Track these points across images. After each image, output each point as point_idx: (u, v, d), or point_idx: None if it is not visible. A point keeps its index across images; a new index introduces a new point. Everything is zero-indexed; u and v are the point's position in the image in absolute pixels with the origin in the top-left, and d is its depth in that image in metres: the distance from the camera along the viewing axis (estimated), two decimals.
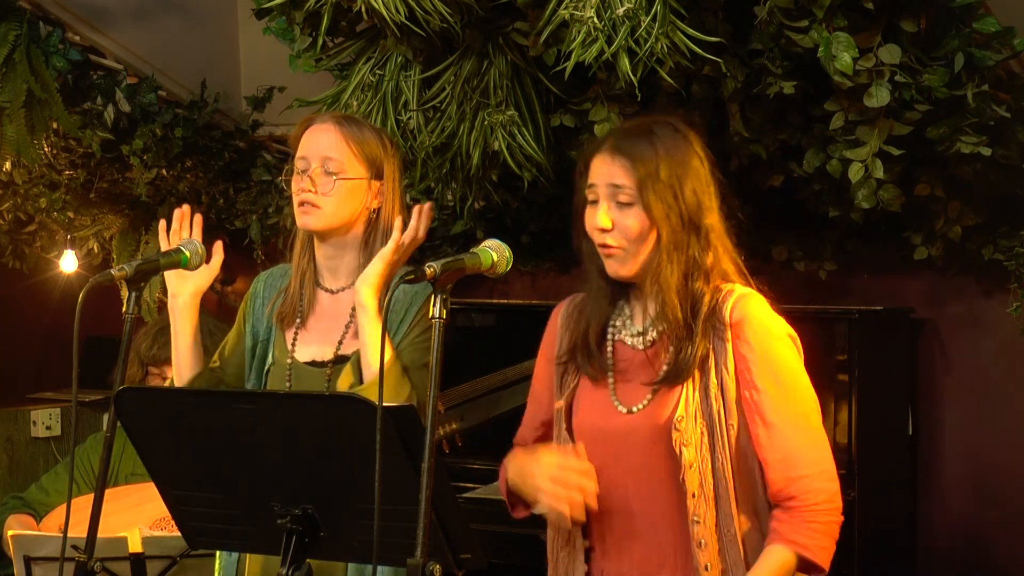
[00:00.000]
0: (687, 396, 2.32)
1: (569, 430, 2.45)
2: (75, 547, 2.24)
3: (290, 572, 2.14)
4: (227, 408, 2.20)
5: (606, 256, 2.37)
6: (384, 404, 1.99)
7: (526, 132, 3.51)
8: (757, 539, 2.35)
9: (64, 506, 2.60)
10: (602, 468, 2.36)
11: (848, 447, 3.69)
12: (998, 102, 3.17)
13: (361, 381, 2.61)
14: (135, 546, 2.96)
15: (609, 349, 2.44)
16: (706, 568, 2.31)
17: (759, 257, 4.18)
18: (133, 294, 2.37)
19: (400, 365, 2.59)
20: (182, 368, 2.80)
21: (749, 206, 3.98)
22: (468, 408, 4.09)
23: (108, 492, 2.97)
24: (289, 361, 2.75)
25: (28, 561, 3.03)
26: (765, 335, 2.33)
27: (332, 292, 2.79)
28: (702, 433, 2.31)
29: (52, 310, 5.34)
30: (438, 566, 1.97)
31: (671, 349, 2.35)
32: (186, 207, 2.79)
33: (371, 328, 2.60)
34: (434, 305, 2.12)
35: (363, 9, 3.20)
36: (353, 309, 2.73)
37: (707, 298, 2.34)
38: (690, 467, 2.30)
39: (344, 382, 2.64)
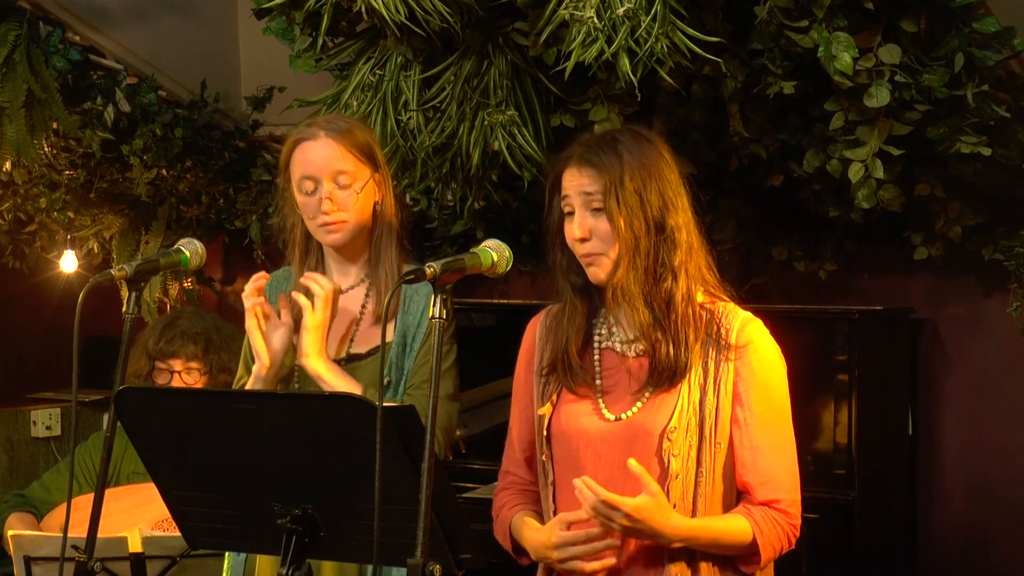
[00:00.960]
0: (682, 408, 2.34)
1: (549, 438, 2.45)
2: (75, 547, 2.24)
3: (290, 572, 2.14)
4: (227, 408, 2.21)
5: (588, 264, 2.39)
6: (384, 404, 1.99)
7: (526, 132, 3.51)
8: (724, 562, 2.38)
9: (64, 505, 2.60)
10: (579, 474, 2.36)
11: (848, 447, 3.69)
12: (998, 102, 3.17)
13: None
14: (135, 546, 2.96)
15: (596, 357, 2.45)
16: None
17: (759, 257, 4.19)
18: (133, 294, 2.37)
19: None
20: None
21: (749, 206, 4.01)
22: (471, 416, 4.11)
23: (109, 492, 2.97)
24: (297, 364, 2.75)
25: (28, 561, 3.03)
26: (768, 363, 2.39)
27: (340, 291, 2.79)
28: (691, 446, 2.35)
29: (52, 310, 5.33)
30: (438, 566, 1.97)
31: (651, 352, 2.37)
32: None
33: (341, 382, 2.63)
34: (434, 305, 2.13)
35: (363, 9, 3.20)
36: (363, 307, 2.74)
37: (680, 294, 2.36)
38: (675, 478, 2.33)
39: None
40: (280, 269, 2.94)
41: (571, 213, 2.39)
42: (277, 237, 4.71)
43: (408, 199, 4.38)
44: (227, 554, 2.80)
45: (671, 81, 3.09)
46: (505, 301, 4.69)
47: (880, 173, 3.19)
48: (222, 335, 3.69)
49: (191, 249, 2.56)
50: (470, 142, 3.53)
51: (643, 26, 2.91)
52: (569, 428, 2.42)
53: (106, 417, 3.64)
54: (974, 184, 3.52)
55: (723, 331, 2.37)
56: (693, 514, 2.34)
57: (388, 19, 3.17)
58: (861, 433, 3.71)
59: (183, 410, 2.24)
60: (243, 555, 2.77)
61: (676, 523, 2.29)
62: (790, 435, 2.41)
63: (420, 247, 4.62)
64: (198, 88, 4.71)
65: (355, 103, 3.60)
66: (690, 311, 2.37)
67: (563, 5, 3.00)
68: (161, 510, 3.06)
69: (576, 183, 2.37)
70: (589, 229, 2.36)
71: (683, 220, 2.38)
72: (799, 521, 2.40)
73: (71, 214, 5.09)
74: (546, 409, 2.45)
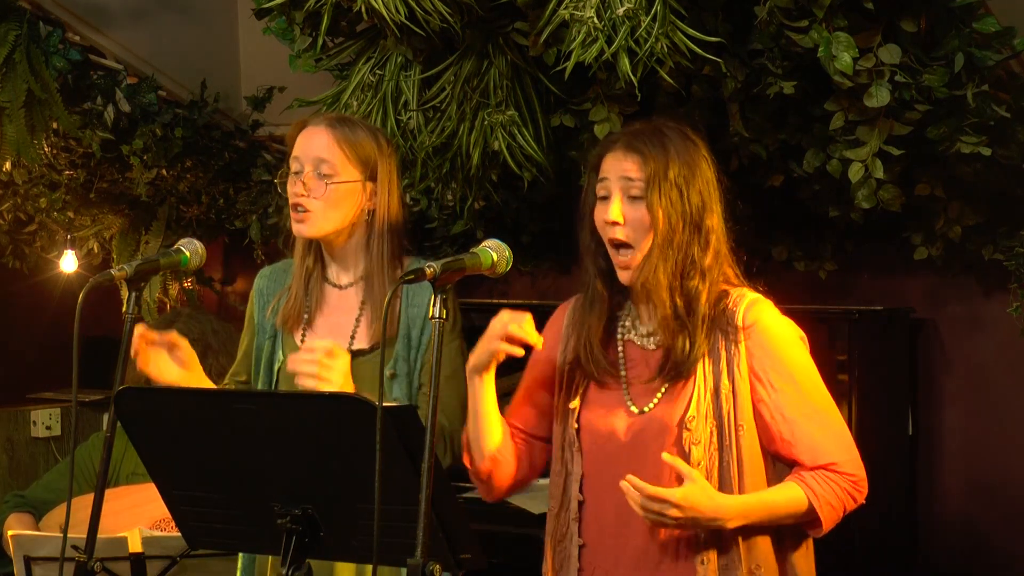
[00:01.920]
0: (699, 396, 2.36)
1: (578, 431, 2.46)
2: (75, 547, 2.24)
3: (290, 572, 2.14)
4: (227, 408, 2.20)
5: (620, 266, 2.40)
6: (384, 404, 1.99)
7: (526, 132, 3.51)
8: (756, 538, 2.37)
9: (64, 504, 2.60)
10: (607, 466, 2.38)
11: None
12: (998, 102, 3.17)
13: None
14: (135, 546, 2.96)
15: (620, 349, 2.46)
16: (702, 563, 2.34)
17: (759, 257, 4.18)
18: (133, 294, 2.37)
19: None
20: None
21: (749, 206, 4.00)
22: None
23: (109, 492, 2.97)
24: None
25: (28, 561, 3.03)
26: (777, 338, 2.39)
27: (340, 288, 2.80)
28: (711, 432, 2.36)
29: (52, 310, 5.33)
30: (438, 566, 1.97)
31: (667, 345, 2.38)
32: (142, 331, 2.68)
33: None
34: (434, 305, 2.13)
35: (363, 9, 3.20)
36: (363, 304, 2.74)
37: (705, 296, 2.38)
38: (698, 465, 2.34)
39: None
40: (280, 261, 2.94)
41: (605, 197, 2.40)
42: (278, 237, 4.73)
43: (408, 199, 4.37)
44: (240, 555, 2.80)
45: (671, 81, 3.09)
46: (505, 301, 4.68)
47: (880, 173, 3.19)
48: (219, 338, 3.68)
49: (191, 249, 2.56)
50: (470, 142, 3.53)
51: (643, 26, 2.91)
52: (599, 422, 2.44)
53: (106, 417, 3.64)
54: (974, 184, 3.52)
55: (729, 315, 2.38)
56: None
57: (388, 19, 3.17)
58: (861, 433, 3.70)
59: (183, 410, 2.24)
60: (253, 556, 2.77)
61: (725, 503, 2.30)
62: (825, 399, 2.40)
63: (420, 247, 4.62)
64: (198, 88, 4.71)
65: (355, 103, 3.60)
66: (708, 311, 2.38)
67: (563, 5, 3.00)
68: (161, 510, 3.06)
69: (618, 167, 2.38)
70: (624, 214, 2.37)
71: (717, 223, 2.41)
72: (861, 477, 2.37)
73: (71, 214, 5.09)
74: (576, 403, 2.47)
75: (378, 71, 3.60)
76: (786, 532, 2.41)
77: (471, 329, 4.50)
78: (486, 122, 3.50)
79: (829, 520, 2.35)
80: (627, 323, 2.48)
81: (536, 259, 4.63)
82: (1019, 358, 3.98)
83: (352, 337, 2.75)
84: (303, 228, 2.71)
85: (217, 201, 4.97)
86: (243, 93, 4.91)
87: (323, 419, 2.11)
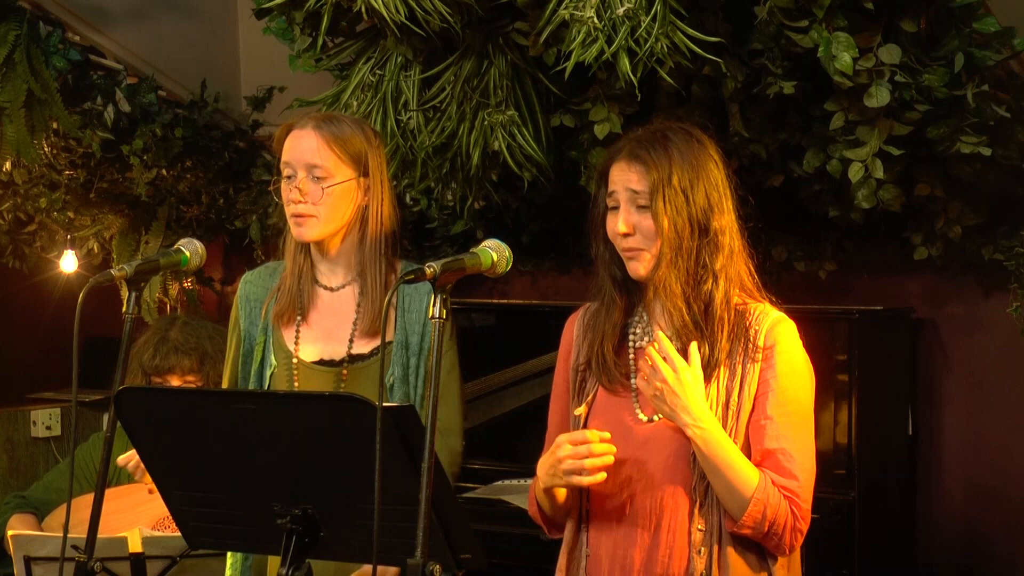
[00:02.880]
0: (710, 407, 2.34)
1: None
2: (75, 547, 2.24)
3: (290, 572, 2.14)
4: (227, 408, 2.20)
5: (628, 259, 2.40)
6: (384, 404, 1.99)
7: (526, 132, 3.51)
8: (748, 552, 2.36)
9: (65, 505, 2.60)
10: (612, 475, 2.37)
11: (848, 447, 3.69)
12: (998, 102, 3.17)
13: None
14: (135, 546, 2.96)
15: (631, 356, 2.45)
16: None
17: (759, 257, 4.18)
18: (133, 294, 2.37)
19: None
20: None
21: (749, 206, 4.00)
22: (469, 409, 4.09)
23: (108, 492, 2.98)
24: (294, 361, 2.75)
25: (28, 561, 3.03)
26: (789, 368, 2.38)
27: (332, 290, 2.78)
28: None
29: (52, 310, 5.33)
30: (438, 566, 1.97)
31: (684, 353, 2.37)
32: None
33: None
34: (434, 305, 2.13)
35: (363, 9, 3.20)
36: (358, 306, 2.73)
37: (720, 297, 2.37)
38: (702, 478, 2.33)
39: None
40: (270, 261, 2.93)
41: (615, 208, 2.40)
42: (278, 237, 4.73)
43: (408, 199, 4.38)
44: (229, 554, 2.80)
45: (671, 81, 3.09)
46: (505, 301, 4.69)
47: (880, 173, 3.19)
48: (216, 344, 3.68)
49: (191, 249, 2.56)
50: (470, 142, 3.53)
51: (643, 26, 2.91)
52: (605, 429, 2.42)
53: (106, 417, 3.64)
54: (974, 184, 3.52)
55: (752, 332, 2.37)
56: (720, 513, 2.33)
57: (388, 19, 3.17)
58: (861, 433, 3.71)
59: (183, 410, 2.23)
60: (250, 559, 2.77)
61: (706, 409, 2.30)
62: (808, 438, 2.38)
63: (420, 247, 4.62)
64: (198, 88, 4.71)
65: (355, 103, 3.60)
66: (726, 315, 2.37)
67: (563, 5, 3.00)
68: (160, 509, 3.07)
69: (624, 178, 2.38)
70: (633, 225, 2.37)
71: (727, 223, 2.40)
72: (806, 515, 2.34)
73: (71, 214, 5.09)
74: (582, 409, 2.46)
75: (378, 71, 3.60)
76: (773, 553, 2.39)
77: (471, 329, 4.52)
78: (486, 122, 3.50)
79: (753, 516, 2.29)
80: (638, 330, 2.47)
81: (536, 259, 4.63)
82: (1019, 358, 3.98)
83: (351, 341, 2.74)
84: (304, 232, 2.71)
85: (217, 201, 4.97)
86: (243, 93, 4.92)
87: (323, 419, 2.11)
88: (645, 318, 2.47)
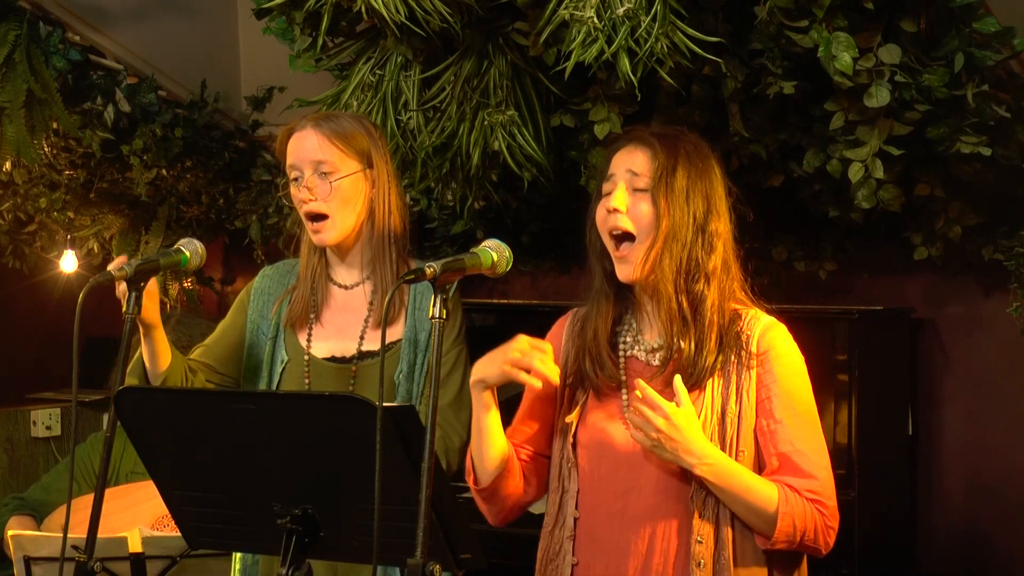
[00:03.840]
0: (705, 417, 2.34)
1: (574, 445, 2.44)
2: (75, 547, 2.24)
3: (290, 572, 2.14)
4: (227, 408, 2.20)
5: (615, 244, 2.37)
6: (384, 404, 1.99)
7: (526, 132, 3.51)
8: (751, 562, 2.35)
9: (65, 505, 2.60)
10: (604, 482, 2.36)
11: (848, 447, 3.69)
12: (998, 102, 3.17)
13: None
14: (135, 546, 2.96)
15: (621, 364, 2.44)
16: None
17: (759, 257, 4.18)
18: (133, 294, 2.37)
19: None
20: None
21: (749, 206, 4.00)
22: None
23: (108, 492, 2.97)
24: (306, 358, 2.75)
25: (28, 561, 3.03)
26: (789, 370, 2.37)
27: (345, 287, 2.80)
28: None
29: (52, 310, 5.33)
30: (438, 566, 1.97)
31: (673, 353, 2.36)
32: None
33: None
34: (434, 305, 2.13)
35: (363, 9, 3.20)
36: (370, 304, 2.74)
37: (711, 302, 2.36)
38: (701, 487, 2.32)
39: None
40: (281, 261, 2.94)
41: (609, 193, 2.39)
42: (278, 237, 4.73)
43: (408, 199, 4.37)
44: (235, 555, 2.80)
45: (671, 81, 3.09)
46: (505, 301, 4.69)
47: (880, 173, 3.19)
48: None
49: (191, 249, 2.56)
50: (470, 142, 3.53)
51: (643, 26, 2.91)
52: (596, 437, 2.41)
53: (106, 417, 3.64)
54: (974, 184, 3.52)
55: (744, 337, 2.36)
56: (717, 525, 2.32)
57: (388, 19, 3.17)
58: (861, 433, 3.71)
59: (183, 410, 2.23)
60: (256, 558, 2.77)
61: (708, 445, 2.28)
62: (819, 436, 2.37)
63: (420, 247, 4.62)
64: (198, 88, 4.71)
65: (355, 103, 3.60)
66: (716, 319, 2.36)
67: (563, 5, 3.00)
68: (159, 508, 3.07)
69: (627, 160, 2.38)
70: (626, 204, 2.35)
71: (723, 229, 2.39)
72: (834, 512, 2.33)
73: (71, 214, 5.09)
74: (573, 417, 2.44)
75: (378, 71, 3.60)
76: (776, 561, 2.37)
77: (471, 329, 4.51)
78: (486, 122, 3.50)
79: (784, 531, 2.29)
80: (628, 339, 2.45)
81: (536, 259, 4.63)
82: (1019, 358, 3.98)
83: (361, 338, 2.75)
84: (324, 237, 2.72)
85: (217, 201, 4.97)
86: (243, 93, 4.91)
87: (323, 419, 2.11)
88: (635, 326, 2.45)
